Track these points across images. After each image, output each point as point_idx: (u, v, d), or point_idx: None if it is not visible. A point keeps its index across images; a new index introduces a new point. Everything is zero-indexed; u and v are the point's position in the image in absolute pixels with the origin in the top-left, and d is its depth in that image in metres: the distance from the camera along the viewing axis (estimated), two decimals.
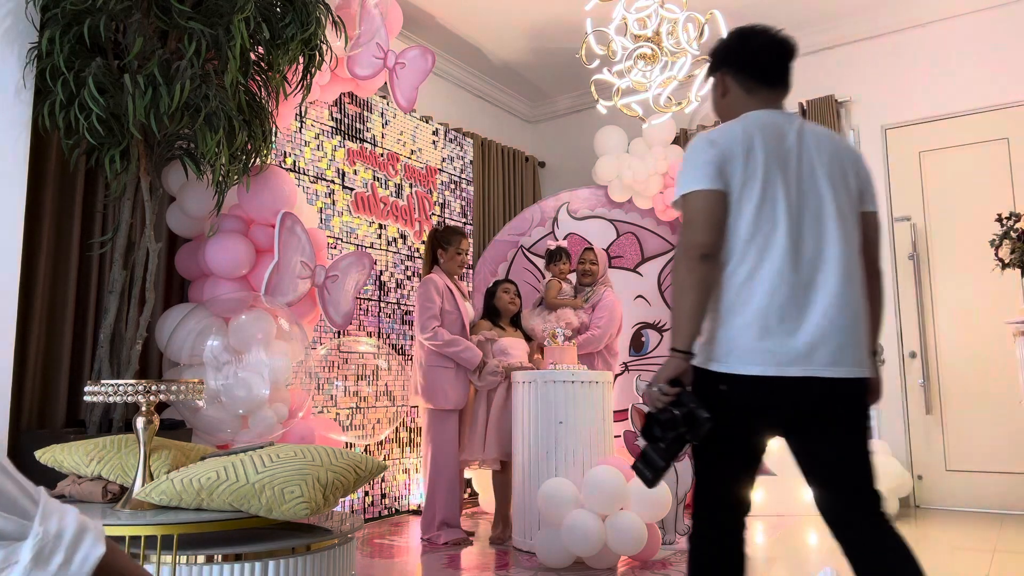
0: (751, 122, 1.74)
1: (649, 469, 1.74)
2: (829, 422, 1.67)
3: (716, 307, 1.70)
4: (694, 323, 1.65)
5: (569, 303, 4.40)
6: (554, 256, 4.61)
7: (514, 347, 4.05)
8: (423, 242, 5.03)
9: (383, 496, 4.56)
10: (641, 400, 1.65)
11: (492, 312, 4.18)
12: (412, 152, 5.07)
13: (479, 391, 3.97)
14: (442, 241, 4.05)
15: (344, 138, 4.58)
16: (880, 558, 1.60)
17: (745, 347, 1.63)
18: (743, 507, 1.76)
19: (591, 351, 4.26)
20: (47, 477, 2.33)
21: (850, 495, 1.67)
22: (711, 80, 1.91)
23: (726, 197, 1.67)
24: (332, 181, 4.47)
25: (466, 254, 4.11)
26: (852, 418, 1.69)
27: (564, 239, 5.28)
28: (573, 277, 4.69)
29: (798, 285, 1.64)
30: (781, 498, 4.54)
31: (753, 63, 1.82)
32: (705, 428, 1.64)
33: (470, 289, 5.24)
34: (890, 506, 4.38)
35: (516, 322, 4.26)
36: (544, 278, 4.87)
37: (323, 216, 4.37)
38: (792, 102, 5.30)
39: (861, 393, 1.69)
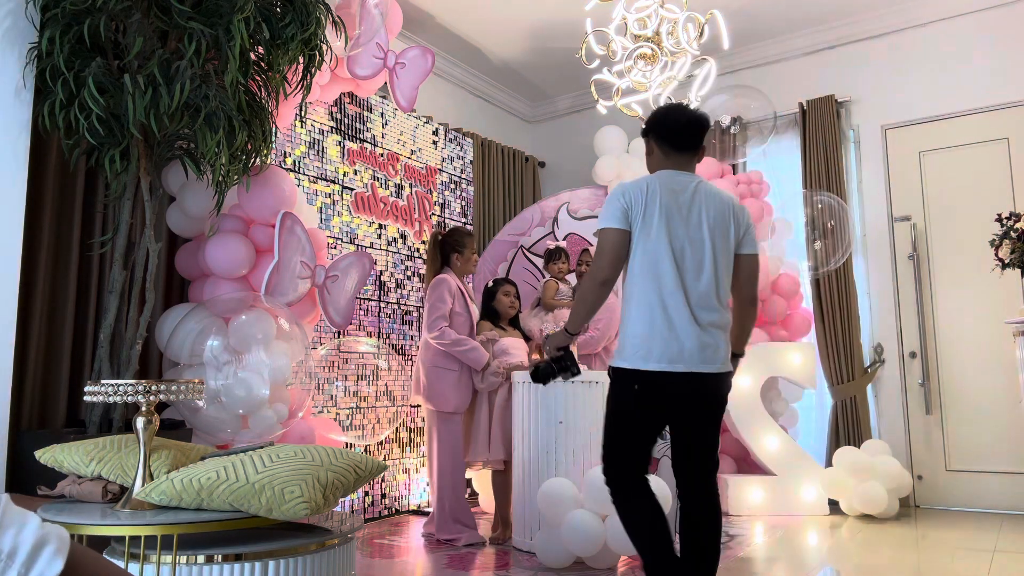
0: (658, 179, 2.35)
1: (535, 379, 2.56)
2: (699, 405, 2.33)
3: (624, 321, 2.35)
4: (585, 320, 2.40)
5: (566, 304, 4.39)
6: (552, 256, 4.60)
7: (514, 347, 4.04)
8: (423, 242, 5.03)
9: (383, 496, 4.56)
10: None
11: (492, 313, 4.17)
12: (412, 152, 5.07)
13: (480, 392, 3.97)
14: (456, 245, 4.01)
15: (344, 138, 4.58)
16: (703, 506, 2.35)
17: (647, 350, 2.26)
18: (646, 467, 2.39)
19: (589, 352, 4.26)
20: (47, 477, 2.33)
21: (702, 463, 2.37)
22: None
23: (629, 235, 2.31)
24: (332, 181, 4.47)
25: (476, 254, 4.12)
26: (713, 402, 2.36)
27: (564, 239, 5.28)
28: (572, 277, 4.69)
29: (679, 306, 2.25)
30: (781, 498, 4.54)
31: (670, 135, 2.42)
32: (573, 374, 2.48)
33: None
34: (890, 506, 4.38)
35: (515, 322, 4.26)
36: (543, 278, 4.87)
37: (323, 216, 4.37)
38: (792, 102, 5.33)
39: (721, 384, 2.35)
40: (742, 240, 2.38)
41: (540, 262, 5.27)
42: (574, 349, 2.74)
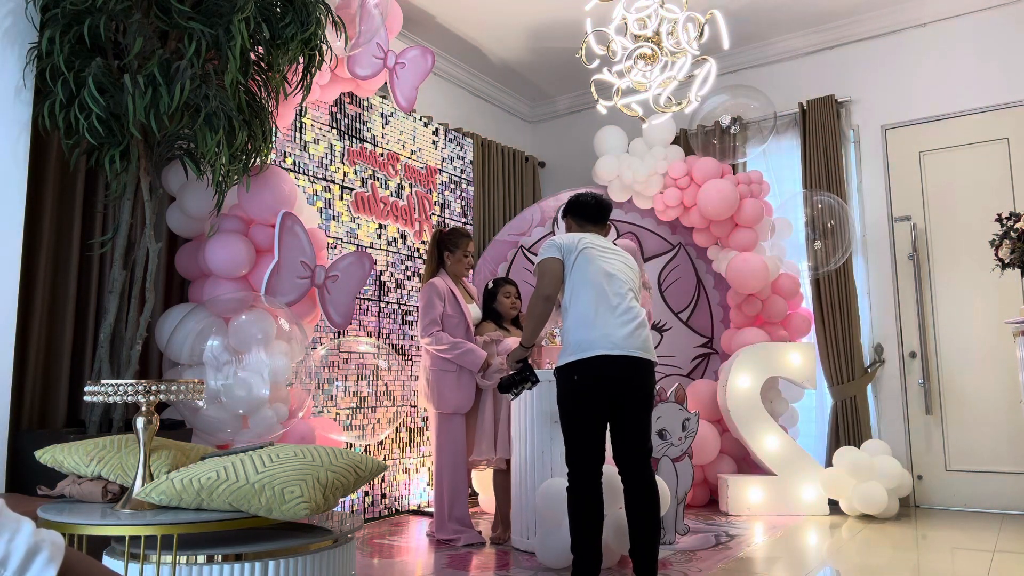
0: (582, 235, 3.09)
1: (502, 390, 3.07)
2: (632, 387, 2.85)
3: (567, 329, 2.93)
4: (536, 333, 3.02)
5: None
6: None
7: None
8: (423, 242, 5.03)
9: (383, 496, 4.56)
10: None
11: (494, 314, 4.16)
12: (412, 152, 5.07)
13: (485, 392, 3.97)
14: (448, 244, 4.03)
15: (344, 138, 4.58)
16: (641, 489, 2.86)
17: (588, 344, 2.84)
18: (602, 459, 2.87)
19: None
20: (47, 477, 2.34)
21: (636, 448, 2.89)
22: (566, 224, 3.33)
23: (563, 264, 2.98)
24: (332, 181, 4.47)
25: (472, 256, 4.09)
26: (644, 385, 2.89)
27: None
28: None
29: (607, 314, 2.87)
30: (781, 498, 4.54)
31: (584, 215, 3.20)
32: (533, 383, 3.03)
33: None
34: (890, 506, 4.38)
35: (517, 322, 4.26)
36: None
37: (323, 216, 4.37)
38: (792, 102, 5.33)
39: (649, 369, 2.91)
40: (643, 285, 3.05)
41: None
42: (535, 360, 3.35)
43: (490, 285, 4.24)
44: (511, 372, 3.04)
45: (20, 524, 0.70)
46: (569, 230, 3.23)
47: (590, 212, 3.20)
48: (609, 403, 2.86)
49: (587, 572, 2.78)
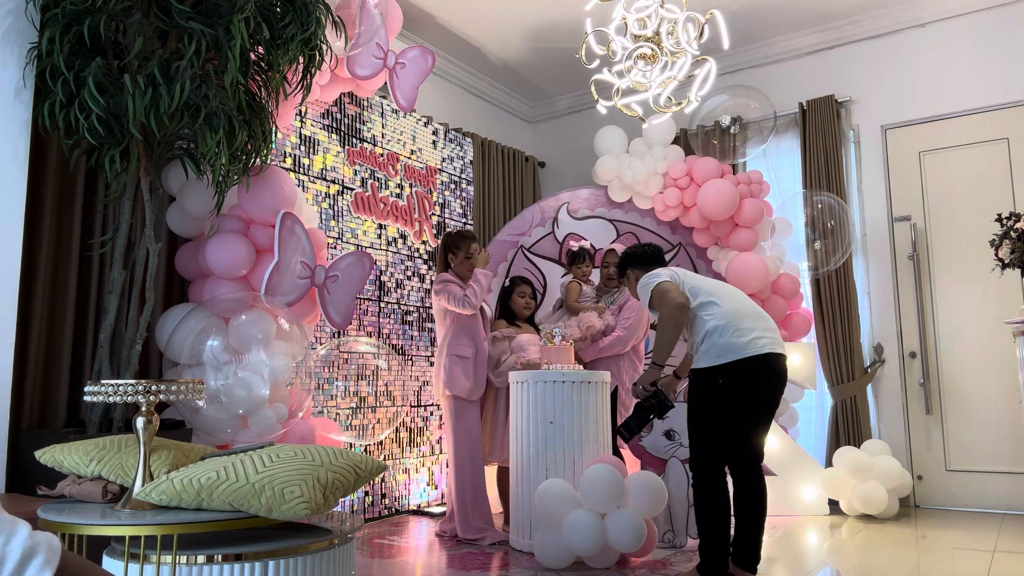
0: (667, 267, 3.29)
1: (628, 432, 3.08)
2: (772, 382, 2.95)
3: (707, 332, 2.95)
4: (672, 347, 2.96)
5: (589, 307, 4.37)
6: (576, 258, 4.58)
7: (532, 343, 4.07)
8: (423, 242, 5.05)
9: (383, 496, 4.55)
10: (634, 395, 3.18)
11: (508, 312, 4.21)
12: (412, 152, 5.07)
13: (499, 390, 3.99)
14: (451, 247, 4.07)
15: (344, 138, 4.58)
16: (750, 488, 3.01)
17: (734, 347, 2.90)
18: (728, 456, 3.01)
19: (618, 352, 4.25)
20: (47, 477, 2.33)
21: (758, 447, 3.06)
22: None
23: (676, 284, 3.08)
24: (332, 181, 4.47)
25: (476, 257, 4.07)
26: (780, 381, 2.99)
27: (563, 239, 5.28)
28: (596, 279, 4.69)
29: (749, 319, 2.97)
30: (781, 498, 4.53)
31: (649, 261, 3.37)
32: (669, 411, 3.00)
33: None
34: (890, 506, 4.38)
35: (530, 320, 4.32)
36: (562, 279, 4.84)
37: (323, 216, 4.37)
38: (792, 102, 5.33)
39: (784, 366, 3.00)
40: None
41: (540, 262, 5.28)
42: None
43: (506, 283, 4.29)
44: (646, 396, 3.00)
45: (16, 527, 0.69)
46: (635, 279, 3.35)
47: (653, 257, 3.41)
48: (755, 400, 2.96)
49: (722, 562, 2.94)
